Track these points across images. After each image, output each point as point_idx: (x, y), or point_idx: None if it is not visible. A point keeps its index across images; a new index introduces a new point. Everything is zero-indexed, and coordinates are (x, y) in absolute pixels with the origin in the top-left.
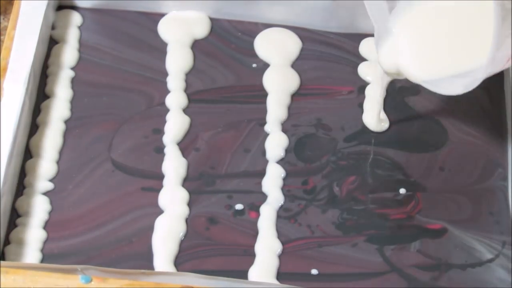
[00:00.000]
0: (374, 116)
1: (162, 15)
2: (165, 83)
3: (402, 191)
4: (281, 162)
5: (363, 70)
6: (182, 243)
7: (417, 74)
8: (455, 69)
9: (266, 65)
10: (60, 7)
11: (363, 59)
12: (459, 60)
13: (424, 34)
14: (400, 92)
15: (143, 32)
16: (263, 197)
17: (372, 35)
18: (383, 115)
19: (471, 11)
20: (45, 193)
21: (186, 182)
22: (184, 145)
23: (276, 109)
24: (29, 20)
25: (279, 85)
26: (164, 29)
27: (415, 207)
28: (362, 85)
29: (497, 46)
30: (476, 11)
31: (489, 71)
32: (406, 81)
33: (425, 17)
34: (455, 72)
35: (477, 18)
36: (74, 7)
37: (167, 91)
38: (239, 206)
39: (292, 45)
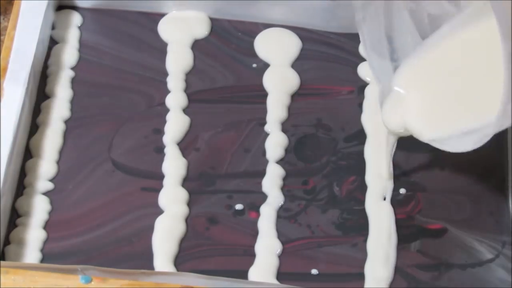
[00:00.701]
0: (384, 174)
1: (162, 15)
2: (165, 83)
3: (402, 191)
4: (281, 162)
5: (363, 70)
6: (182, 243)
7: (424, 132)
8: (464, 126)
9: (266, 65)
10: (60, 7)
11: (363, 59)
12: (468, 117)
13: (430, 91)
14: None
15: (143, 32)
16: (263, 197)
17: None
18: (391, 170)
19: (478, 66)
20: (45, 193)
21: (186, 182)
22: (184, 145)
23: (276, 109)
24: (29, 20)
25: (279, 85)
26: (164, 29)
27: (415, 207)
28: (362, 85)
29: (508, 100)
30: (484, 66)
31: (500, 126)
32: None
33: (431, 74)
34: (463, 129)
35: (485, 72)
36: (74, 7)
37: (167, 91)
38: (239, 206)
39: (292, 45)
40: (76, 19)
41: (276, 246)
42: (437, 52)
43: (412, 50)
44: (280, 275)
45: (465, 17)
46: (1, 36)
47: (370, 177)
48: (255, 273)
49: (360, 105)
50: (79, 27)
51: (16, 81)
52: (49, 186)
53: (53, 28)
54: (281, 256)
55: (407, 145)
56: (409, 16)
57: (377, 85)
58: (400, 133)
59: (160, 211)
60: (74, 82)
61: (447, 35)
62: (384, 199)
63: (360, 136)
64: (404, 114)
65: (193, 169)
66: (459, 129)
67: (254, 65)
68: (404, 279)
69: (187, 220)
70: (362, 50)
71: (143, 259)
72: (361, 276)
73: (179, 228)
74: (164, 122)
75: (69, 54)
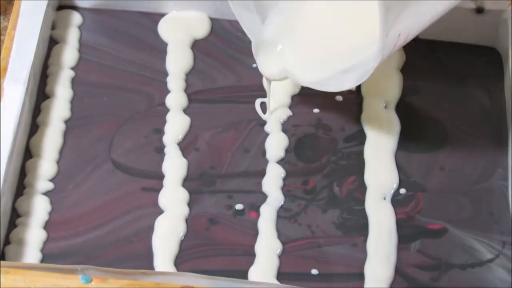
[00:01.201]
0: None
1: (162, 15)
2: (165, 83)
3: (402, 191)
4: (281, 162)
5: None
6: (182, 243)
7: (303, 76)
8: (342, 65)
9: None
10: (60, 7)
11: None
12: (344, 55)
13: (302, 36)
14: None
15: (143, 32)
16: (263, 197)
17: None
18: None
19: (347, 5)
20: (45, 193)
21: (186, 182)
22: (184, 145)
23: (276, 109)
24: (29, 20)
25: (279, 85)
26: (164, 29)
27: (415, 207)
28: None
29: (384, 34)
30: (353, 3)
31: (378, 60)
32: (406, 80)
33: (300, 18)
34: (341, 67)
35: (356, 10)
36: (74, 7)
37: (167, 91)
38: (239, 206)
39: None
40: (76, 19)
41: (276, 246)
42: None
43: (275, 1)
44: (280, 275)
45: None
46: (1, 36)
47: (370, 177)
48: (255, 273)
49: (360, 105)
50: (79, 27)
51: (16, 81)
52: (49, 186)
53: (53, 28)
54: (281, 256)
55: (407, 145)
56: None
57: (250, 39)
58: (280, 79)
59: (160, 211)
60: (74, 82)
61: None
62: (384, 199)
63: (360, 136)
64: (281, 61)
65: (193, 169)
66: (337, 69)
67: (254, 65)
68: (404, 279)
69: (187, 220)
70: (231, 3)
71: (143, 259)
72: (361, 276)
73: (179, 228)
74: (164, 122)
75: (69, 54)
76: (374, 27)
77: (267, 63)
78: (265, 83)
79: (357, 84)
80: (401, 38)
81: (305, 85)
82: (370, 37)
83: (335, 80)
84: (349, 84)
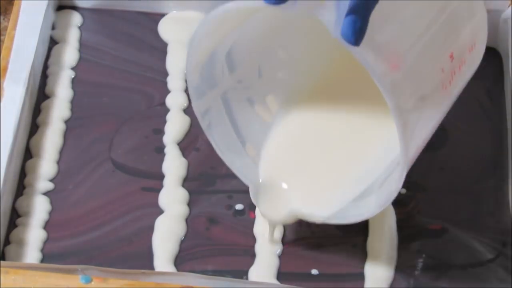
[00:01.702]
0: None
1: (162, 15)
2: (165, 83)
3: (402, 191)
4: None
5: None
6: (182, 243)
7: (316, 214)
8: (354, 192)
9: None
10: (60, 7)
11: None
12: (355, 180)
13: (300, 171)
14: None
15: (143, 32)
16: None
17: None
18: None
19: (341, 129)
20: (45, 193)
21: (186, 182)
22: (184, 145)
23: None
24: (29, 20)
25: None
26: (164, 29)
27: (415, 207)
28: None
29: (406, 151)
30: (348, 125)
31: (404, 177)
32: None
33: (293, 154)
34: (354, 194)
35: (365, 124)
36: (74, 7)
37: (167, 91)
38: (239, 206)
39: None
40: (76, 19)
41: (276, 246)
42: (292, 129)
43: (265, 138)
44: (280, 275)
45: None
46: (1, 36)
47: None
48: (255, 273)
49: None
50: (79, 27)
51: (16, 81)
52: (49, 186)
53: (53, 28)
54: (281, 256)
55: None
56: (249, 105)
57: (247, 184)
58: (290, 222)
59: (160, 211)
60: (74, 82)
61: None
62: None
63: None
64: (285, 203)
65: (193, 169)
66: (351, 197)
67: None
68: (404, 279)
69: (187, 220)
70: (220, 153)
71: (143, 259)
72: (361, 276)
73: (179, 228)
74: (164, 122)
75: (69, 54)
76: (385, 140)
77: (271, 206)
78: (266, 226)
79: (381, 209)
80: (419, 148)
81: (321, 222)
82: (382, 152)
83: (353, 210)
84: (372, 211)
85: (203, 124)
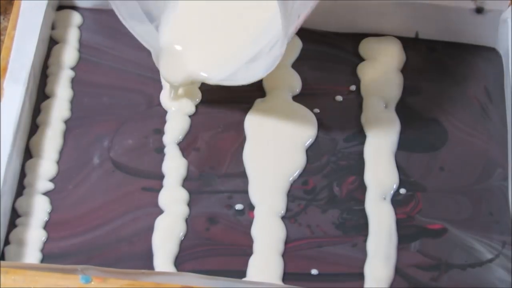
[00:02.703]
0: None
1: None
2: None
3: (402, 191)
4: None
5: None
6: (182, 243)
7: (211, 76)
8: (245, 55)
9: None
10: (60, 7)
11: (363, 59)
12: (247, 44)
13: (202, 34)
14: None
15: None
16: None
17: (372, 35)
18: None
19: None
20: (45, 193)
21: (186, 182)
22: (184, 145)
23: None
24: (29, 20)
25: (279, 85)
26: None
27: (415, 207)
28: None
29: (287, 24)
30: None
31: (286, 42)
32: (406, 80)
33: (193, 19)
34: (246, 57)
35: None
36: (74, 7)
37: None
38: (239, 206)
39: (292, 45)
40: (76, 19)
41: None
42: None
43: (165, 5)
44: (280, 275)
45: None
46: (1, 36)
47: (370, 177)
48: (255, 273)
49: (360, 105)
50: (79, 27)
51: (16, 81)
52: (49, 186)
53: (53, 28)
54: (281, 256)
55: (407, 145)
56: None
57: (149, 49)
58: (188, 83)
59: (160, 211)
60: (74, 82)
61: None
62: (384, 199)
63: (360, 136)
64: (184, 66)
65: (193, 169)
66: (243, 60)
67: None
68: (404, 279)
69: (187, 220)
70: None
71: (143, 259)
72: (361, 276)
73: (179, 228)
74: (164, 122)
75: (69, 54)
76: (273, 12)
77: (170, 70)
78: (170, 92)
79: (268, 73)
80: (300, 18)
81: (214, 83)
82: (270, 22)
83: (243, 72)
84: (259, 74)
85: None
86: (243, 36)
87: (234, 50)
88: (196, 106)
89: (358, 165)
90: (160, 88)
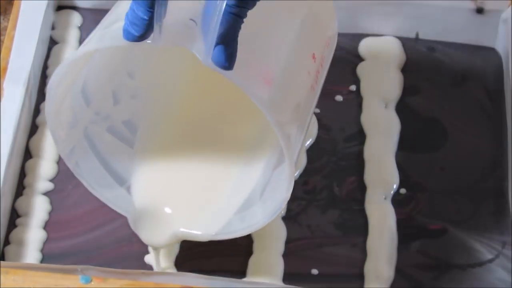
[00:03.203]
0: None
1: None
2: None
3: (402, 191)
4: None
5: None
6: (182, 243)
7: (202, 233)
8: (234, 204)
9: None
10: (60, 7)
11: (363, 59)
12: (232, 194)
13: (181, 189)
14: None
15: None
16: None
17: (372, 35)
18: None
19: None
20: (45, 193)
21: None
22: None
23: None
24: (29, 20)
25: None
26: None
27: (415, 207)
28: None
29: (292, 164)
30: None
31: (292, 185)
32: (406, 80)
33: (166, 178)
34: (236, 207)
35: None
36: (74, 7)
37: None
38: None
39: None
40: (76, 19)
41: (276, 246)
42: (158, 152)
43: (132, 165)
44: (280, 275)
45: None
46: (1, 36)
47: (370, 177)
48: (254, 273)
49: (360, 105)
50: (79, 27)
51: (16, 81)
52: (49, 186)
53: (53, 28)
54: (281, 256)
55: (407, 145)
56: (111, 135)
57: (125, 215)
58: (171, 243)
59: None
60: None
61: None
62: (385, 199)
63: (360, 136)
64: (167, 226)
65: None
66: (231, 211)
67: None
68: (404, 279)
69: None
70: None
71: (142, 259)
72: (361, 276)
73: None
74: None
75: (69, 54)
76: (256, 151)
77: (152, 232)
78: (151, 253)
79: (272, 219)
80: (298, 152)
81: (207, 239)
82: (256, 162)
83: (238, 223)
84: (263, 220)
85: (70, 165)
86: (224, 183)
87: (219, 200)
88: None
89: (358, 165)
90: None
